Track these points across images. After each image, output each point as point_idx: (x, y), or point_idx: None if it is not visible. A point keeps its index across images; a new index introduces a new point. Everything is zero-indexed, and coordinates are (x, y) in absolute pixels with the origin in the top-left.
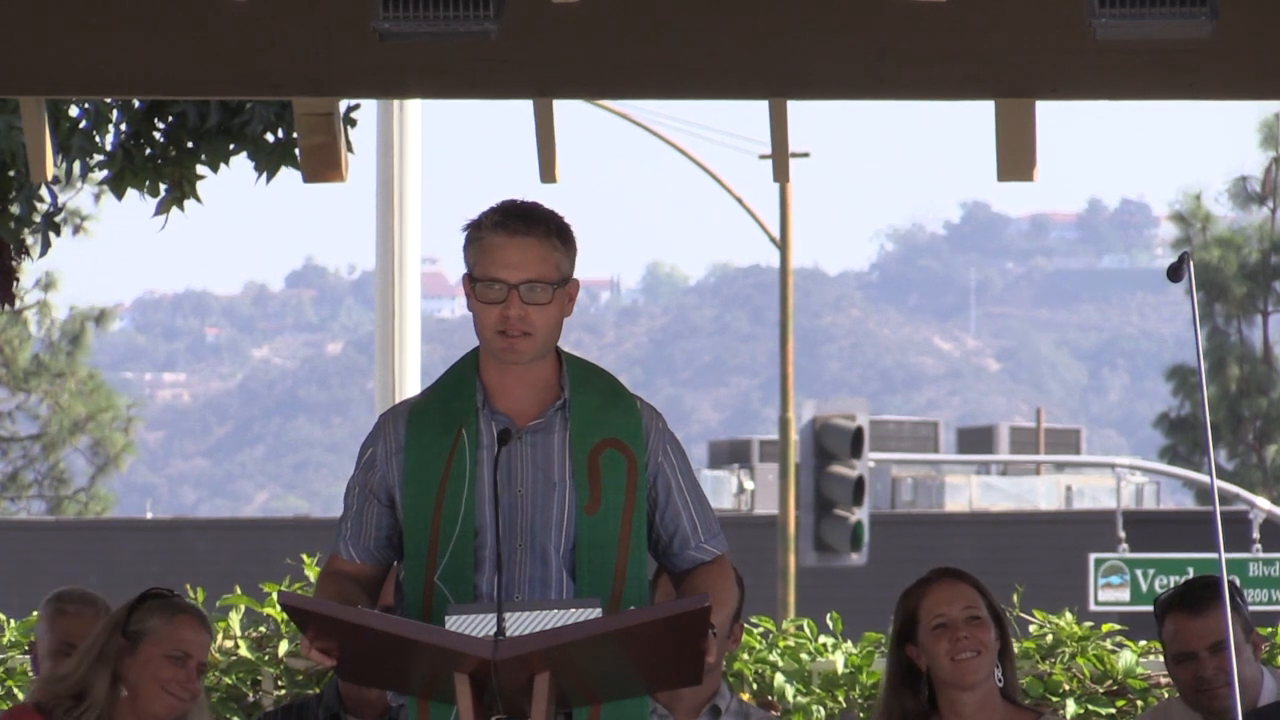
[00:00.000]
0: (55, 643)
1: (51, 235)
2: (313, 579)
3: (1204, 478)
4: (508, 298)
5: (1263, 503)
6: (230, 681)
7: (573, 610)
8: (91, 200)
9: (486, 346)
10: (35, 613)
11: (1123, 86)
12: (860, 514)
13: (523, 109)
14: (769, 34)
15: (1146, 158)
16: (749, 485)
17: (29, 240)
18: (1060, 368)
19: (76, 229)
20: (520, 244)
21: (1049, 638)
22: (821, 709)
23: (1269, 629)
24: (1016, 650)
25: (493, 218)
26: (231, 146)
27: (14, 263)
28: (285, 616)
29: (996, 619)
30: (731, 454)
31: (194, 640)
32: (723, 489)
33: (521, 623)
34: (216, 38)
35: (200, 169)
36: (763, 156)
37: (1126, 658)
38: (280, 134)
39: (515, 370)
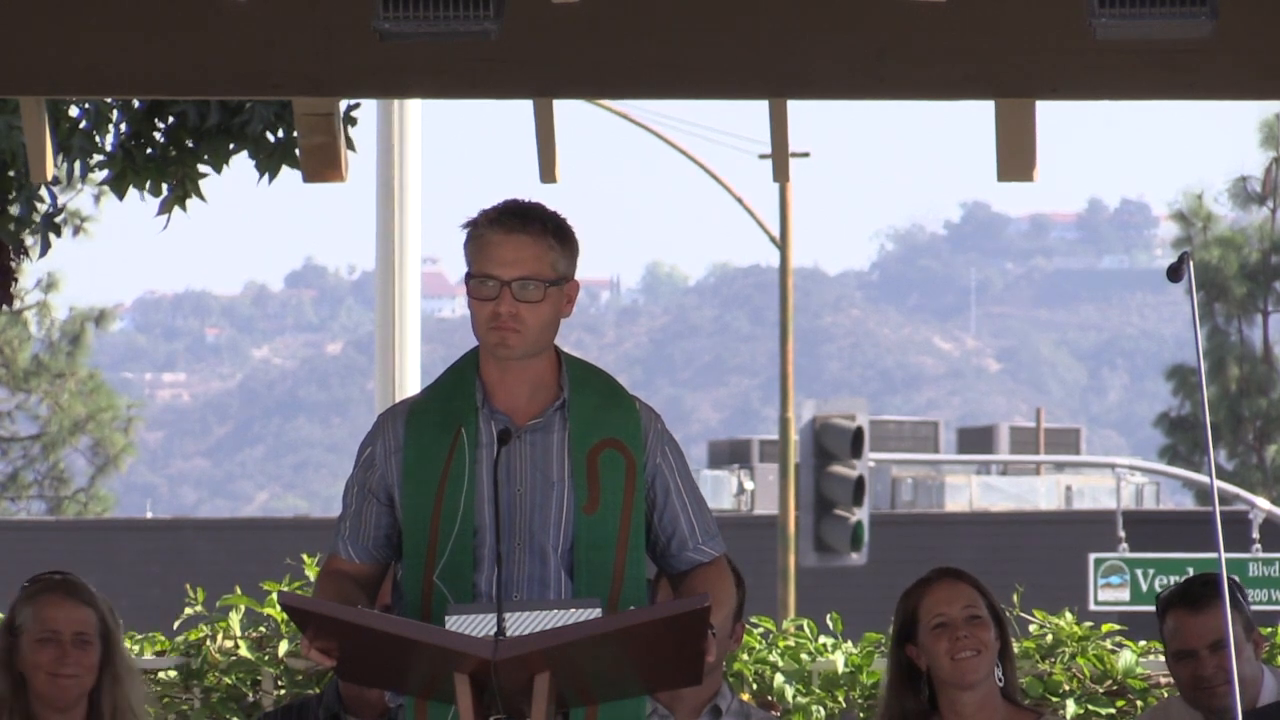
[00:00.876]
0: None
1: (52, 236)
2: (313, 579)
3: (1204, 478)
4: (500, 294)
5: (1263, 503)
6: (230, 681)
7: (573, 610)
8: (91, 201)
9: (480, 342)
10: None
11: (1123, 86)
12: (860, 514)
13: (523, 109)
14: (769, 34)
15: (1146, 158)
16: (749, 485)
17: (29, 241)
18: (1060, 368)
19: (76, 229)
20: (515, 241)
21: (1049, 638)
22: (821, 709)
23: (1269, 629)
24: (1016, 650)
25: (489, 215)
26: (232, 146)
27: (13, 263)
28: (285, 616)
29: (996, 619)
30: (731, 454)
31: (58, 616)
32: (723, 489)
33: (521, 623)
34: (216, 38)
35: (202, 168)
36: (763, 156)
37: (1126, 658)
38: (280, 134)
39: (515, 369)
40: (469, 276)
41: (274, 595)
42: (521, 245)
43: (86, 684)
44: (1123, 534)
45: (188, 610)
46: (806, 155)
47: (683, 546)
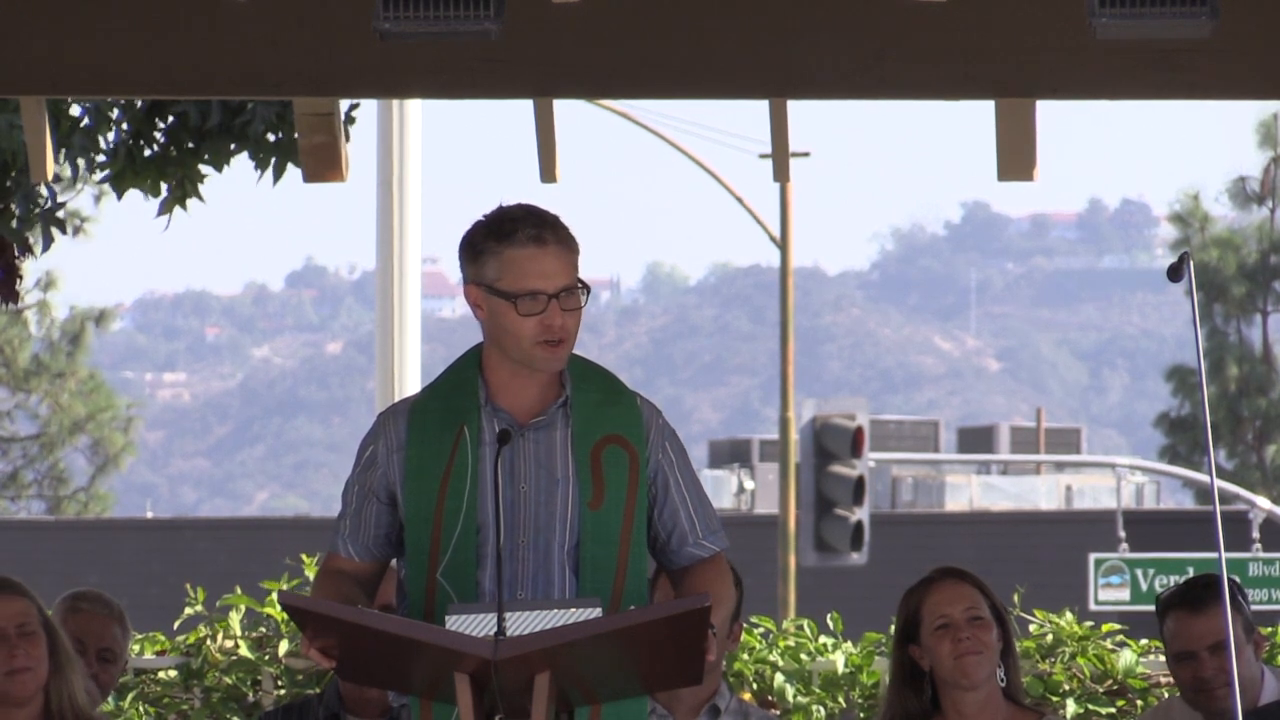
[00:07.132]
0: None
1: (54, 231)
2: (312, 579)
3: (1204, 477)
4: (548, 307)
5: (1263, 503)
6: (230, 681)
7: (573, 610)
8: (91, 200)
9: (523, 357)
10: None
11: (1123, 86)
12: (860, 514)
13: (523, 109)
14: (769, 34)
15: (1146, 158)
16: (749, 485)
17: (31, 239)
18: (1060, 368)
19: (76, 229)
20: (553, 253)
21: (1049, 637)
22: (821, 709)
23: (1269, 628)
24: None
25: (524, 230)
26: (232, 146)
27: (18, 260)
28: (285, 616)
29: (999, 619)
30: (731, 454)
31: None
32: (723, 489)
33: (522, 622)
34: (216, 38)
35: (202, 169)
36: (763, 156)
37: (1126, 657)
38: (281, 134)
39: (526, 372)
40: (495, 292)
41: (274, 595)
42: (558, 256)
43: (42, 675)
44: (1123, 534)
45: (188, 610)
46: (806, 155)
47: (683, 542)
